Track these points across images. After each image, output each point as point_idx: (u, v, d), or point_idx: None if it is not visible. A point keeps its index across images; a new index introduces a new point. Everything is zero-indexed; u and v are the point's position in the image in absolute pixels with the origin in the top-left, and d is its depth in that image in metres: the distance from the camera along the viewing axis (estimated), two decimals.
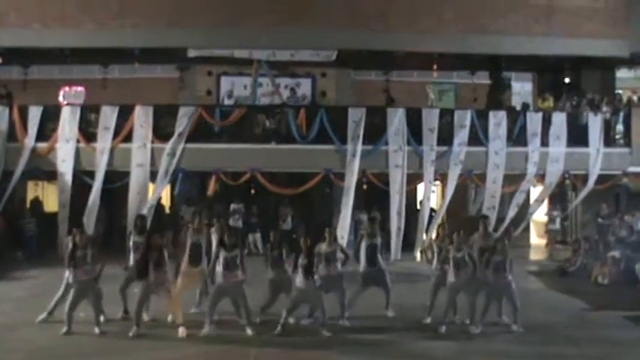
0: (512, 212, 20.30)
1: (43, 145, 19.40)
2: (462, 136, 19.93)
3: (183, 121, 19.38)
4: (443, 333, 11.20)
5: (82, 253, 10.88)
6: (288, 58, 21.66)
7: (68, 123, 19.39)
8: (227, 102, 21.23)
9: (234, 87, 22.44)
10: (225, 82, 22.43)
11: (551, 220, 20.76)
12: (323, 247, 11.69)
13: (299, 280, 11.05)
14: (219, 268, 11.03)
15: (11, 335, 10.79)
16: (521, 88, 24.23)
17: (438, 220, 20.12)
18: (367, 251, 12.42)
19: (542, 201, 20.91)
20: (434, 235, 17.74)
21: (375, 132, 19.85)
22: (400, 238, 19.67)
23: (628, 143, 20.75)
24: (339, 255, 12.00)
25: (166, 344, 10.43)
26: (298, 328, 11.42)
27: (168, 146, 19.26)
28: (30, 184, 21.98)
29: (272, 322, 11.24)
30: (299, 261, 11.05)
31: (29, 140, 19.32)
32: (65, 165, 19.27)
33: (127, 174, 19.29)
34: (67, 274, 11.36)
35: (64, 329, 10.72)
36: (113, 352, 10.03)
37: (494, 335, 11.13)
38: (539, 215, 22.55)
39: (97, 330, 10.83)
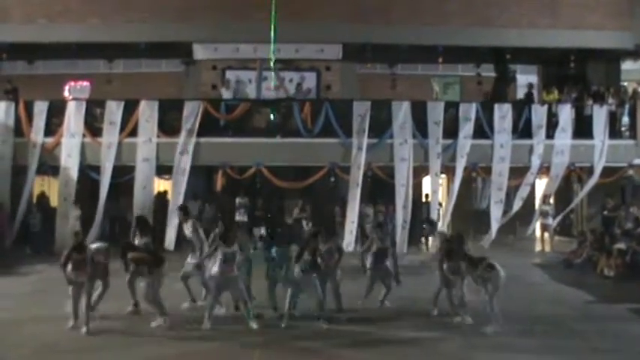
0: (517, 206, 20.32)
1: (48, 140, 19.51)
2: (467, 129, 19.95)
3: (190, 118, 19.45)
4: (435, 315, 11.50)
5: (79, 257, 10.70)
6: (292, 55, 21.66)
7: (74, 118, 19.48)
8: (225, 94, 21.23)
9: (236, 79, 22.35)
10: (230, 77, 22.40)
11: (543, 214, 20.66)
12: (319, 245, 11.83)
13: (297, 271, 11.13)
14: (215, 264, 11.07)
15: (17, 330, 10.80)
16: (526, 81, 24.16)
17: (447, 216, 20.22)
18: (376, 255, 12.37)
19: (550, 196, 20.85)
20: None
21: (380, 125, 19.88)
22: (406, 231, 19.68)
23: (634, 135, 20.79)
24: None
25: (171, 340, 10.42)
26: (298, 321, 11.43)
27: (179, 145, 19.37)
28: (36, 180, 22.02)
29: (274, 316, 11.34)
30: (304, 255, 11.10)
31: (36, 135, 19.42)
32: (71, 160, 19.37)
33: (132, 168, 19.37)
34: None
35: (70, 323, 10.72)
36: (118, 347, 9.98)
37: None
38: None
39: (71, 323, 10.71)
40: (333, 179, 20.00)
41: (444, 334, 10.69)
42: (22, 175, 19.53)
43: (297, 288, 11.21)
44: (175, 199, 19.39)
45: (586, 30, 20.90)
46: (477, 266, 10.91)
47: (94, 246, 11.68)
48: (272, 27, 18.58)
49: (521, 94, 24.09)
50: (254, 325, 10.92)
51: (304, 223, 19.41)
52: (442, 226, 20.65)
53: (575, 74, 22.58)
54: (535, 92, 23.05)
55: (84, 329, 10.49)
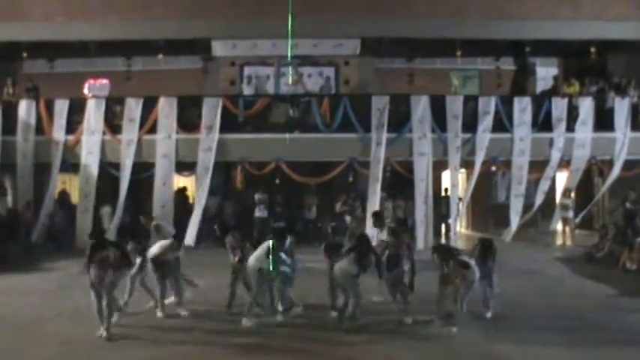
0: (539, 200, 20.21)
1: (69, 138, 19.69)
2: (486, 122, 19.84)
3: (210, 115, 19.51)
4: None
5: (102, 255, 10.22)
6: (311, 51, 21.62)
7: (93, 115, 19.64)
8: (246, 89, 21.28)
9: (255, 75, 22.37)
10: (249, 72, 22.43)
11: (564, 208, 20.50)
12: None
13: (346, 264, 10.84)
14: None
15: (42, 327, 10.89)
16: (546, 73, 23.99)
17: (463, 208, 20.14)
18: (388, 260, 11.97)
19: (571, 190, 20.65)
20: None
21: (399, 120, 19.81)
22: (427, 227, 19.54)
23: None
24: None
25: (196, 337, 10.41)
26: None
27: (201, 142, 19.45)
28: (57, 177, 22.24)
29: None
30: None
31: (58, 133, 19.60)
32: (91, 157, 19.53)
33: (152, 165, 19.48)
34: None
35: (102, 333, 10.18)
36: (143, 345, 9.96)
37: (518, 321, 11.03)
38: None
39: (101, 331, 10.14)
40: (352, 175, 19.98)
41: (463, 328, 10.59)
42: (44, 173, 19.74)
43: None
44: (199, 196, 19.55)
45: (608, 21, 20.68)
46: (449, 261, 10.68)
47: (157, 244, 11.66)
48: (289, 22, 18.56)
49: (541, 87, 23.90)
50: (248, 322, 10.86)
51: (347, 218, 19.35)
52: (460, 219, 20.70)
53: (596, 66, 22.37)
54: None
55: (102, 332, 10.13)
